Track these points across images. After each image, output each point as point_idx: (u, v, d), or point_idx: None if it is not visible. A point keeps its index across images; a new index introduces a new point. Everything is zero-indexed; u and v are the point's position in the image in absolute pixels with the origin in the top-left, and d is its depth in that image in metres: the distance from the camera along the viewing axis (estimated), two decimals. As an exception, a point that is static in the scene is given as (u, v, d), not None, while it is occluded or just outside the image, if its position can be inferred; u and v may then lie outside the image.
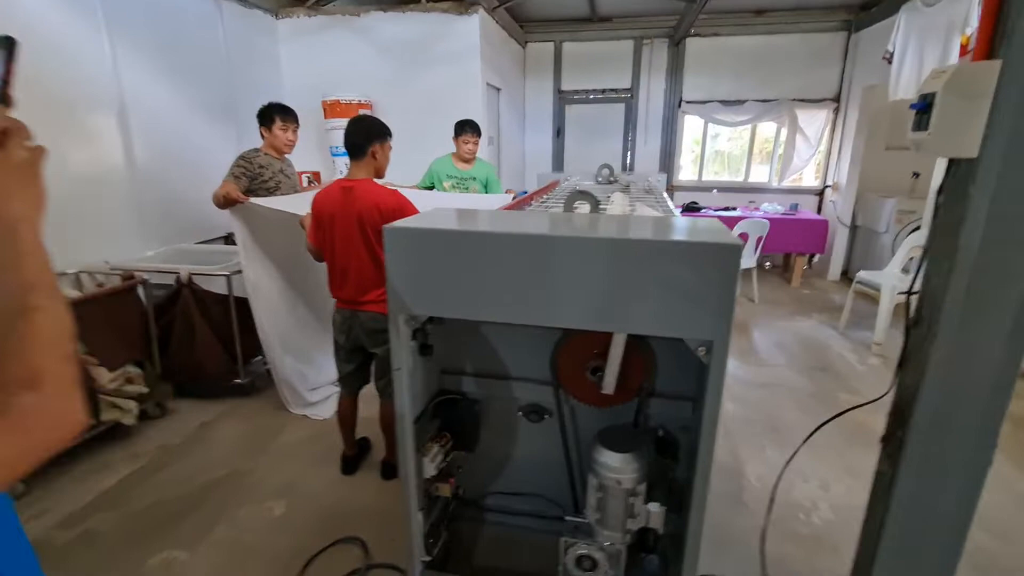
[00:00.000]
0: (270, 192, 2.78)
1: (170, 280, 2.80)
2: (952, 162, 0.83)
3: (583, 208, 1.63)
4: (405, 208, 1.96)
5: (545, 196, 2.96)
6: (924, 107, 0.82)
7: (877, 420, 1.17)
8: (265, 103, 2.81)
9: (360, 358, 2.19)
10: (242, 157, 2.71)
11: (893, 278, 3.73)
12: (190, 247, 3.37)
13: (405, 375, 1.40)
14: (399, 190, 3.18)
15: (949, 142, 0.79)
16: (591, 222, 1.39)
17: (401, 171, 4.70)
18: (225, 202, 2.45)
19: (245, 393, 3.03)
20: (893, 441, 0.92)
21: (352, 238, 1.99)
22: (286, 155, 2.94)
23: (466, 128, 3.35)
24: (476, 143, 3.40)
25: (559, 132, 6.23)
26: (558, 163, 6.32)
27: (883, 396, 1.03)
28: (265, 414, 2.86)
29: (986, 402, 0.84)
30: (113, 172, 3.02)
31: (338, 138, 4.16)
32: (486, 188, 3.50)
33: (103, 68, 2.91)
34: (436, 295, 1.26)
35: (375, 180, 2.07)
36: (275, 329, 2.73)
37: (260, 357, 3.15)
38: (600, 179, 3.50)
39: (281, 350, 2.76)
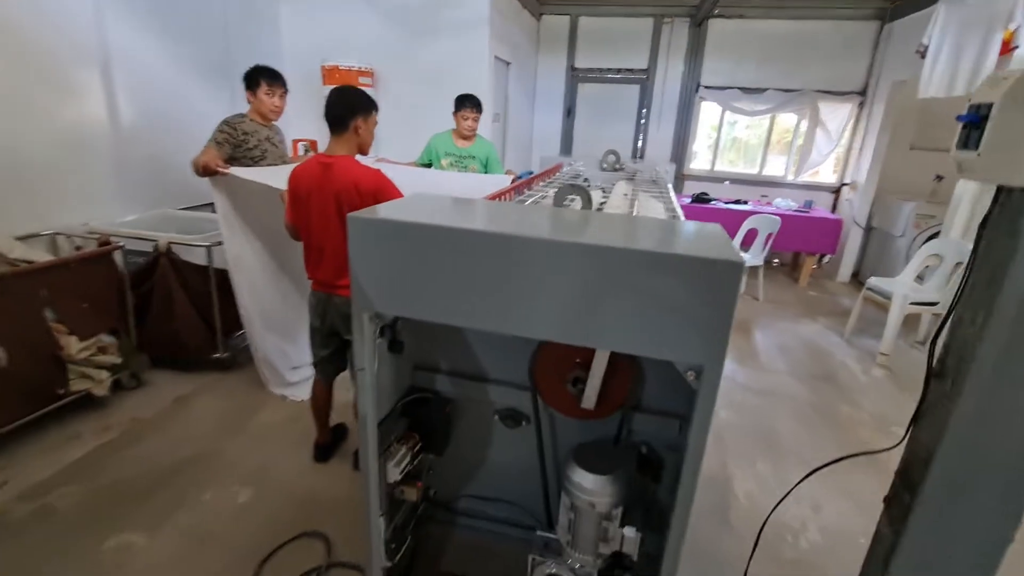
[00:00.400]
0: (255, 161, 2.64)
1: (150, 247, 2.69)
2: (1002, 189, 0.69)
3: (575, 204, 1.49)
4: (386, 189, 1.82)
5: (545, 181, 2.81)
6: (975, 120, 0.67)
7: (880, 439, 1.04)
8: (253, 65, 2.63)
9: (336, 343, 2.09)
10: (225, 122, 2.56)
11: (905, 287, 3.57)
12: (174, 213, 3.25)
13: (369, 376, 1.29)
14: (391, 167, 3.05)
15: (1004, 166, 0.65)
16: (577, 222, 1.25)
17: (400, 145, 4.53)
18: (205, 171, 2.32)
19: (224, 367, 2.94)
20: (898, 504, 0.80)
21: (329, 217, 1.86)
22: (274, 122, 2.78)
23: (466, 103, 3.17)
24: (476, 119, 3.23)
25: (570, 111, 6.00)
26: (566, 144, 6.10)
27: (895, 447, 0.91)
28: (243, 392, 2.77)
29: (1014, 473, 0.71)
30: (95, 130, 2.88)
31: (337, 106, 3.99)
32: (486, 168, 3.35)
33: (84, 18, 2.75)
34: (401, 293, 1.15)
35: (357, 157, 1.93)
36: (256, 305, 2.63)
37: (241, 332, 3.06)
38: (605, 165, 3.33)
39: (262, 327, 2.67)
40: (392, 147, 4.48)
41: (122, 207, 3.04)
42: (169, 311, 2.71)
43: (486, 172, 3.35)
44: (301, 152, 4.38)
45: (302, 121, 4.39)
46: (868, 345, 3.80)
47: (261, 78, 2.60)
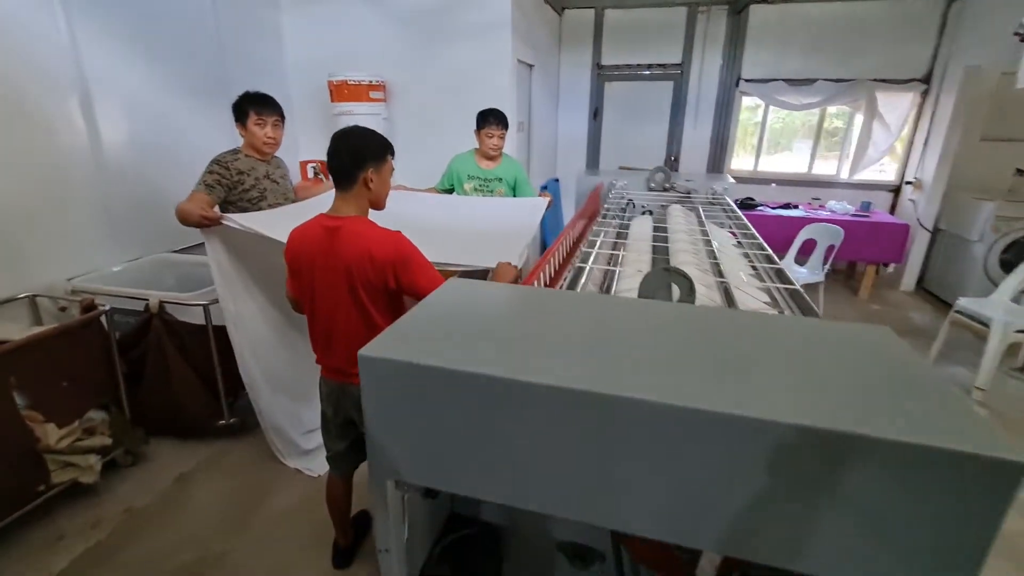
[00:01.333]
0: (253, 204, 2.29)
1: (142, 305, 2.36)
2: None
3: (663, 289, 1.08)
4: (409, 259, 1.44)
5: (599, 217, 2.40)
6: None
7: None
8: (242, 93, 2.26)
9: (353, 434, 1.72)
10: (216, 162, 2.21)
11: (1004, 310, 3.08)
12: (172, 258, 2.92)
13: (395, 558, 0.93)
14: (410, 197, 2.66)
15: None
16: (704, 352, 0.85)
17: (417, 164, 4.14)
18: (191, 221, 1.96)
19: (232, 434, 2.61)
20: None
21: (338, 296, 1.49)
22: (273, 155, 2.41)
23: (490, 119, 2.77)
24: (502, 137, 2.83)
25: (596, 113, 5.54)
26: (593, 149, 5.66)
27: None
28: (252, 466, 2.44)
29: None
30: (76, 169, 2.54)
31: (346, 124, 3.61)
32: (514, 191, 2.94)
33: (57, 47, 2.41)
34: (437, 458, 0.79)
35: (369, 216, 1.55)
36: (261, 367, 2.28)
37: (251, 389, 2.73)
38: (653, 184, 2.91)
39: (270, 391, 2.32)
40: (408, 167, 4.09)
41: (113, 254, 2.72)
42: (165, 378, 2.38)
43: (514, 195, 2.95)
44: (311, 175, 4.03)
45: (311, 142, 4.04)
46: (956, 375, 3.32)
47: (249, 107, 2.23)
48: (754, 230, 2.08)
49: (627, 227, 2.34)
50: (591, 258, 1.67)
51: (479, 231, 2.31)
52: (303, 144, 4.07)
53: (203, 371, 2.45)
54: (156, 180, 2.94)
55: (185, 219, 1.98)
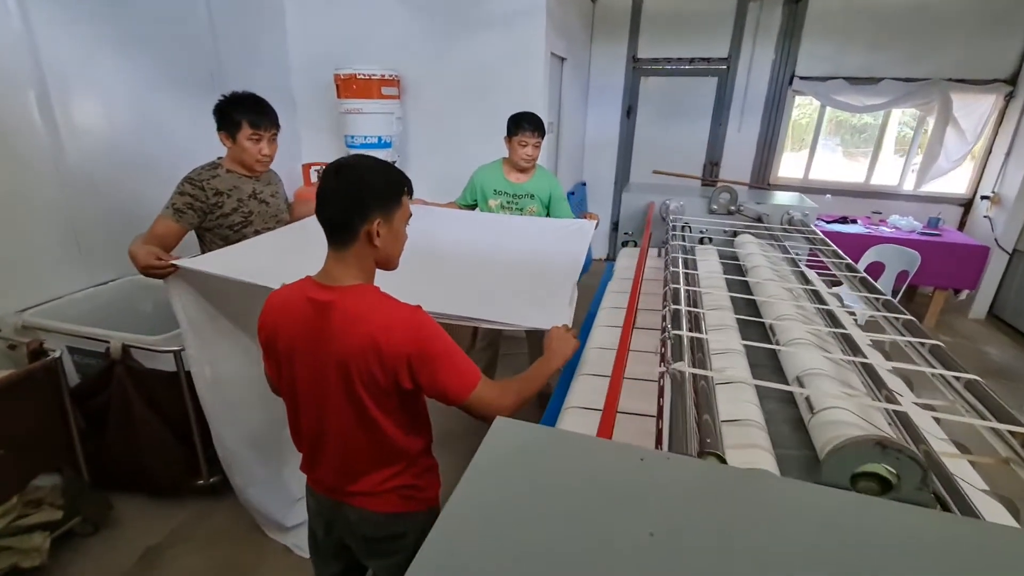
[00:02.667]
0: (235, 231, 1.87)
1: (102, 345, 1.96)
2: None
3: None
4: (431, 346, 1.01)
5: (671, 280, 1.93)
6: None
7: None
8: (227, 95, 1.80)
9: (347, 557, 1.30)
10: (188, 180, 1.79)
11: None
12: (149, 280, 2.51)
13: None
14: (427, 212, 2.22)
15: None
16: None
17: (434, 170, 3.70)
18: (143, 269, 1.52)
19: (212, 493, 2.22)
20: None
21: (328, 395, 1.06)
22: (259, 173, 1.96)
23: (524, 125, 2.32)
24: (537, 146, 2.38)
25: (630, 111, 5.05)
26: (625, 151, 5.17)
27: None
28: (234, 537, 2.05)
29: None
30: (32, 179, 2.15)
31: (354, 124, 3.19)
32: (548, 209, 2.50)
33: (6, 32, 2.00)
34: None
35: (374, 279, 1.11)
36: (242, 433, 1.86)
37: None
38: (716, 207, 2.43)
39: (252, 459, 1.90)
40: (423, 175, 3.66)
41: (79, 277, 2.34)
42: (131, 433, 1.99)
43: (547, 213, 2.50)
44: (314, 180, 3.61)
45: (315, 143, 3.62)
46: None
47: (241, 117, 1.78)
48: (863, 272, 1.61)
49: (692, 265, 1.89)
50: (684, 345, 1.20)
51: (515, 268, 1.85)
52: (306, 145, 3.65)
53: (177, 423, 2.05)
54: (134, 190, 2.54)
55: (135, 263, 1.53)
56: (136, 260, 1.49)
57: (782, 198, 2.71)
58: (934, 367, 1.09)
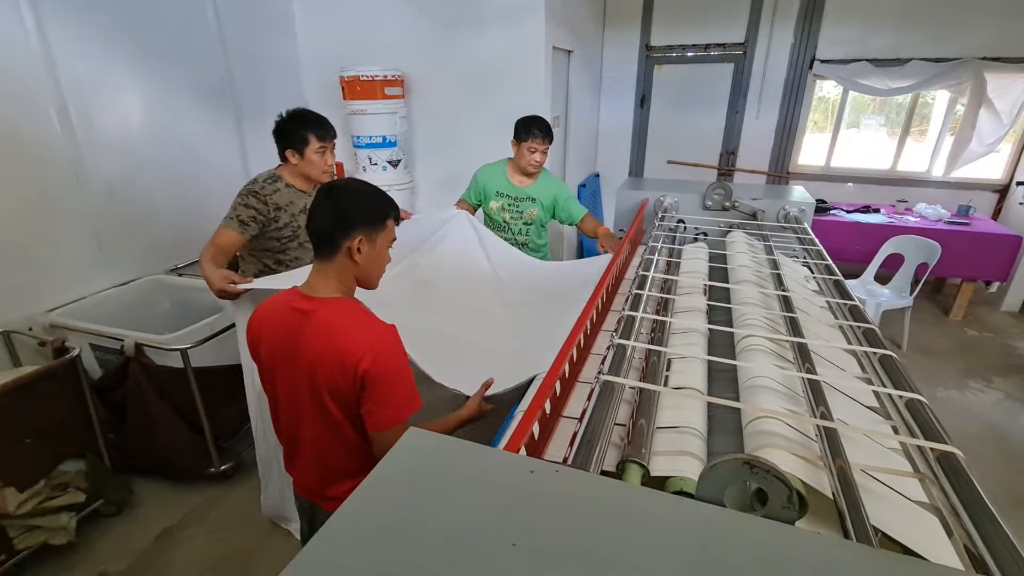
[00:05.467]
0: (281, 243, 1.95)
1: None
2: None
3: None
4: (385, 372, 1.07)
5: (644, 251, 1.94)
6: None
7: None
8: (286, 113, 1.85)
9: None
10: (252, 193, 1.83)
11: None
12: (167, 279, 2.69)
13: None
14: (413, 227, 2.21)
15: None
16: None
17: (438, 166, 3.77)
18: (214, 292, 1.56)
19: (225, 477, 2.38)
20: None
21: (301, 400, 1.14)
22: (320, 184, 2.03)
23: (534, 132, 2.31)
24: (546, 153, 2.38)
25: (643, 101, 4.96)
26: (639, 142, 5.09)
27: None
28: (242, 521, 2.19)
29: None
30: (54, 187, 2.31)
31: (360, 124, 3.28)
32: (553, 213, 2.50)
33: (25, 49, 2.15)
34: None
35: (354, 294, 1.18)
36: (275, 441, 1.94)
37: (247, 426, 2.49)
38: (710, 203, 2.41)
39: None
40: (429, 172, 3.73)
41: (102, 278, 2.51)
42: (147, 423, 2.15)
43: (552, 218, 2.51)
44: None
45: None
46: (1086, 435, 2.70)
47: (309, 132, 1.83)
48: (840, 277, 1.59)
49: (677, 260, 1.89)
50: (634, 327, 1.26)
51: (528, 328, 1.87)
52: (318, 145, 3.76)
53: (189, 415, 2.21)
54: (151, 194, 2.70)
55: (208, 284, 1.59)
56: (211, 283, 1.54)
57: (781, 192, 2.65)
58: (881, 378, 1.09)
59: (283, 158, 1.90)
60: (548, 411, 1.05)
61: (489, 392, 1.36)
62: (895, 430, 0.99)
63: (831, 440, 0.88)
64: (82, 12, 2.33)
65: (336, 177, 3.56)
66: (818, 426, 0.92)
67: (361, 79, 3.12)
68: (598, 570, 0.55)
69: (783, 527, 0.60)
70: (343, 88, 3.21)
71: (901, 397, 0.97)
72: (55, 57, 2.23)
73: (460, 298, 2.07)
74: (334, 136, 1.92)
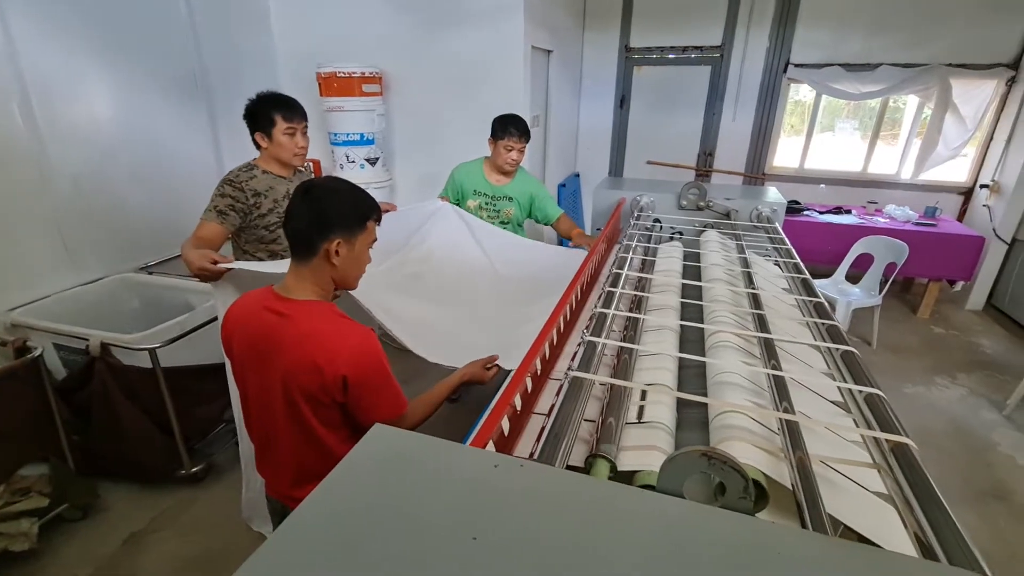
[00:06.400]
0: (270, 231, 1.91)
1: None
2: None
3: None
4: (371, 376, 1.07)
5: (616, 249, 1.96)
6: None
7: None
8: (255, 97, 1.82)
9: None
10: (228, 182, 1.80)
11: (1113, 358, 2.54)
12: (137, 278, 2.62)
13: None
14: (395, 220, 2.24)
15: None
16: None
17: (417, 165, 3.75)
18: (200, 274, 1.51)
19: (196, 480, 2.33)
20: None
21: (273, 403, 1.12)
22: (298, 168, 2.00)
23: (511, 130, 2.31)
24: (523, 151, 2.38)
25: (623, 101, 5.01)
26: (619, 142, 5.14)
27: None
28: (213, 525, 2.15)
29: None
30: (18, 184, 2.24)
31: (338, 121, 3.24)
32: (529, 212, 2.51)
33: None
34: None
35: (331, 296, 1.17)
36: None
37: (217, 430, 2.45)
38: (685, 203, 2.44)
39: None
40: (408, 170, 3.71)
41: (68, 275, 2.44)
42: (114, 425, 2.10)
43: (528, 217, 2.52)
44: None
45: (300, 140, 3.67)
46: (1044, 430, 2.80)
47: (275, 112, 1.81)
48: (808, 275, 1.62)
49: (652, 258, 1.91)
50: (606, 324, 1.27)
51: (509, 301, 1.91)
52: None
53: (159, 416, 2.16)
54: (119, 190, 2.63)
55: (191, 268, 1.53)
56: (190, 263, 1.49)
57: (755, 193, 2.70)
58: (843, 373, 1.12)
59: (255, 144, 1.87)
60: (519, 408, 1.06)
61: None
62: (856, 424, 1.01)
63: (792, 433, 0.89)
64: (45, 1, 2.26)
65: (313, 174, 3.52)
66: (780, 419, 0.94)
67: (338, 76, 3.09)
68: (555, 561, 0.56)
69: (738, 517, 0.61)
70: (320, 84, 3.17)
71: (860, 392, 1.00)
72: (17, 49, 2.16)
73: (454, 288, 2.07)
74: (303, 117, 1.88)
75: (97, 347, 1.99)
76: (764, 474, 0.84)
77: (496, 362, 1.39)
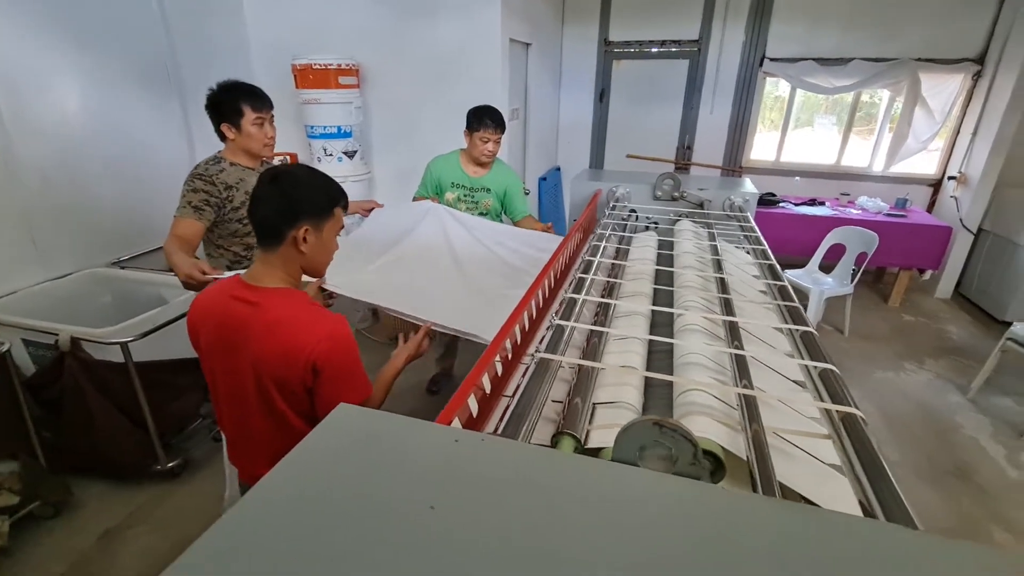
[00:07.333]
0: (243, 224, 1.88)
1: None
2: None
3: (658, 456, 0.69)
4: (341, 363, 1.08)
5: (590, 240, 1.98)
6: None
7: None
8: (216, 87, 1.77)
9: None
10: (198, 176, 1.75)
11: (1069, 341, 2.65)
12: (108, 272, 2.58)
13: None
14: (375, 217, 2.22)
15: None
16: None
17: (394, 158, 3.73)
18: (182, 280, 1.51)
19: (172, 475, 2.31)
20: None
21: (246, 395, 1.12)
22: (267, 159, 1.97)
23: (486, 121, 2.31)
24: (498, 143, 2.38)
25: (603, 95, 5.04)
26: (599, 135, 5.17)
27: None
28: (189, 519, 2.14)
29: None
30: (-15, 180, 2.19)
31: (314, 114, 3.21)
32: (503, 204, 2.52)
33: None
34: None
35: (303, 285, 1.17)
36: None
37: (194, 425, 2.43)
38: (660, 193, 2.47)
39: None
40: (386, 163, 3.69)
41: (36, 271, 2.39)
42: (86, 421, 2.06)
43: (502, 208, 2.53)
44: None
45: (279, 133, 3.62)
46: (1005, 409, 2.91)
47: (244, 103, 1.76)
48: (775, 261, 1.66)
49: (627, 247, 1.94)
50: (575, 309, 1.29)
51: (486, 275, 1.93)
52: (271, 135, 3.67)
53: (132, 412, 2.13)
54: (91, 184, 2.58)
55: (175, 271, 1.53)
56: (179, 270, 1.49)
57: (724, 184, 2.75)
58: (802, 352, 1.16)
59: (220, 135, 1.83)
60: (488, 391, 1.07)
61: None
62: (814, 400, 1.05)
63: (750, 407, 0.93)
64: (7, -11, 2.20)
65: (288, 161, 3.48)
66: (739, 395, 0.97)
67: (314, 67, 3.06)
68: (511, 527, 0.57)
69: (688, 482, 0.64)
70: (295, 76, 3.14)
71: (816, 367, 1.03)
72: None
73: (455, 272, 2.07)
74: (270, 106, 1.85)
75: (67, 342, 1.96)
76: (721, 447, 0.87)
77: (432, 327, 1.41)
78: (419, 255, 2.12)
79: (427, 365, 2.93)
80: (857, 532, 0.55)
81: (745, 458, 0.85)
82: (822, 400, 0.96)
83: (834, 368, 1.01)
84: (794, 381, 1.19)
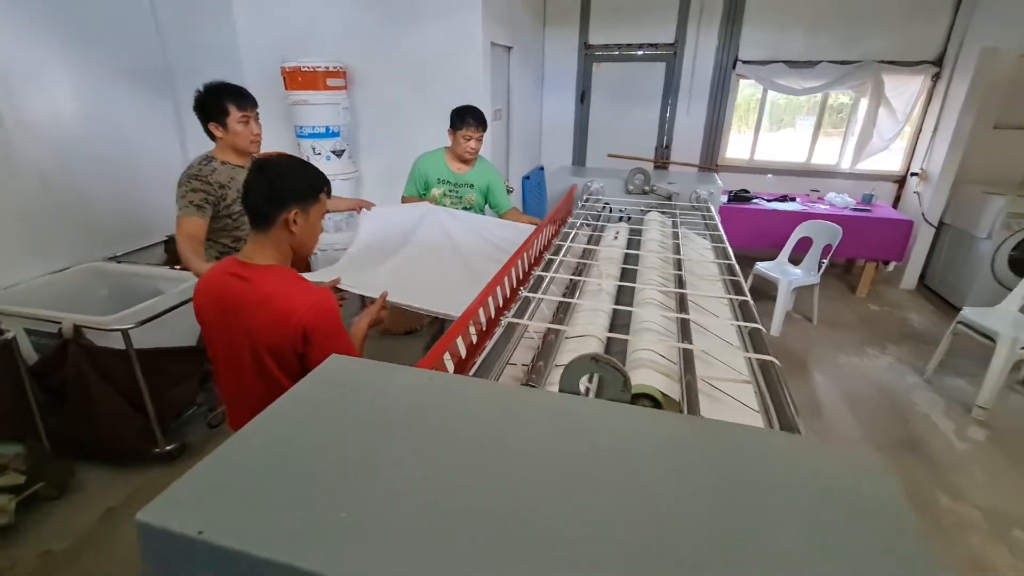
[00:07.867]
0: (233, 219, 2.00)
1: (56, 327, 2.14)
2: None
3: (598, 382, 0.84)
4: (327, 326, 1.21)
5: (565, 224, 2.14)
6: None
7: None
8: (202, 88, 1.87)
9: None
10: (195, 177, 1.86)
11: (1013, 324, 2.85)
12: (104, 267, 2.68)
13: None
14: (377, 218, 2.32)
15: None
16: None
17: (381, 157, 3.87)
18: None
19: (171, 458, 2.42)
20: None
21: (242, 365, 1.25)
22: (253, 155, 2.06)
23: (468, 120, 2.44)
24: (480, 140, 2.52)
25: (583, 96, 5.21)
26: (580, 135, 5.34)
27: None
28: (188, 498, 2.25)
29: None
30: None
31: (303, 114, 3.34)
32: (486, 198, 2.66)
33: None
34: None
35: (289, 263, 1.30)
36: None
37: (192, 411, 2.54)
38: (631, 187, 2.63)
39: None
40: (373, 163, 3.82)
41: (35, 265, 2.49)
42: (89, 406, 2.17)
43: (485, 203, 2.67)
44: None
45: (265, 133, 3.74)
46: (956, 389, 3.11)
47: (229, 102, 1.87)
48: (730, 249, 1.82)
49: (600, 233, 2.10)
50: (544, 284, 1.44)
51: (487, 264, 2.07)
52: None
53: (132, 397, 2.24)
54: (86, 181, 2.68)
55: (197, 276, 1.62)
56: (200, 275, 1.54)
57: (692, 179, 2.92)
58: (737, 316, 1.31)
59: (209, 135, 1.94)
60: (464, 355, 1.21)
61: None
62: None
63: (687, 362, 1.08)
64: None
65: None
66: (679, 350, 1.12)
67: (303, 70, 3.18)
68: (470, 442, 0.72)
69: (616, 404, 0.78)
70: (284, 78, 3.26)
71: (747, 327, 1.19)
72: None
73: (463, 267, 2.20)
74: (254, 104, 1.96)
75: (70, 329, 2.07)
76: (661, 392, 1.02)
77: (386, 296, 1.53)
78: (425, 254, 2.25)
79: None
80: (732, 432, 0.70)
81: (678, 400, 1.00)
82: (746, 350, 1.12)
83: (760, 327, 1.17)
84: (729, 343, 1.35)
